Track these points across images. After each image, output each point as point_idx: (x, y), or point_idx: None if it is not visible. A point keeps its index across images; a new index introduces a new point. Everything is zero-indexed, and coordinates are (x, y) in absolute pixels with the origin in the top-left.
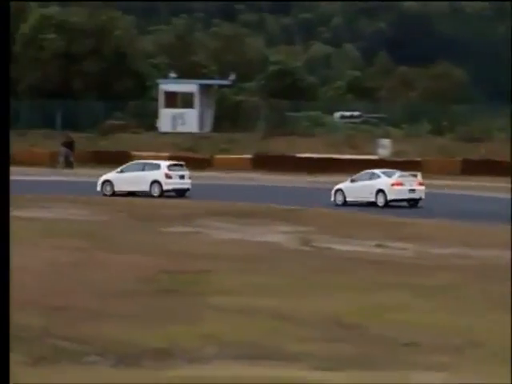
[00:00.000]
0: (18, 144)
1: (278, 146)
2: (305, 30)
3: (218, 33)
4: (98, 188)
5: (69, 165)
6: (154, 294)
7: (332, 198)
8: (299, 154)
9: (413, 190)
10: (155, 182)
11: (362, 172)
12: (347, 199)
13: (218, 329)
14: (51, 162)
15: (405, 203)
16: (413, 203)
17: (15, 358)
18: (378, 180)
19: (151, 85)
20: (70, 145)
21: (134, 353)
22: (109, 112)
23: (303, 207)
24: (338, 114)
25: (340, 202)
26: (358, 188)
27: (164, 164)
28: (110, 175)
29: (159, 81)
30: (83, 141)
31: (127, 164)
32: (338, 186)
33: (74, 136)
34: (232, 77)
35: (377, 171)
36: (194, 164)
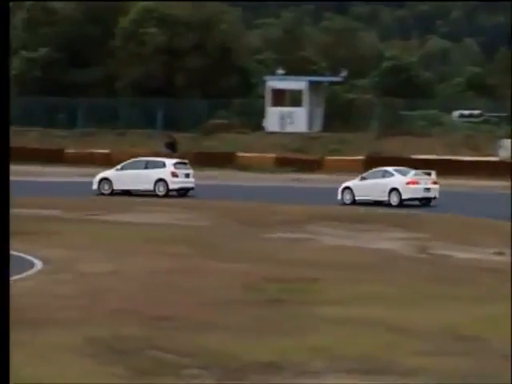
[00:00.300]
0: (116, 144)
1: (393, 146)
2: (421, 23)
3: (329, 27)
4: (95, 186)
5: None
6: (259, 304)
7: (339, 197)
8: (415, 155)
9: (428, 189)
10: (160, 180)
11: (373, 170)
12: (356, 198)
13: (327, 341)
14: None
15: (417, 202)
16: (425, 202)
17: (115, 371)
18: (392, 178)
19: (257, 82)
20: (172, 145)
21: (239, 366)
22: (212, 110)
23: (419, 212)
24: (456, 113)
25: (348, 201)
26: (368, 186)
27: (169, 162)
28: (108, 173)
29: (266, 77)
30: (186, 141)
31: (127, 161)
32: (345, 184)
33: (176, 136)
34: (343, 73)
35: (390, 169)
36: (303, 166)
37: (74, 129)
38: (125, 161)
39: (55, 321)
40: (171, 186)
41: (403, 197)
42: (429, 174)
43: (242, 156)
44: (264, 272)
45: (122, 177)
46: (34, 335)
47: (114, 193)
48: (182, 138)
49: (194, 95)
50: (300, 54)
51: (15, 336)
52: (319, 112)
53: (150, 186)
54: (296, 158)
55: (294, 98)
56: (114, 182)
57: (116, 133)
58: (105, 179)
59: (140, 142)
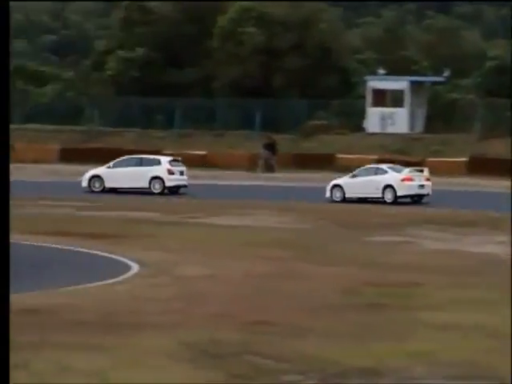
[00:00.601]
0: (214, 145)
1: (497, 148)
2: None
3: (431, 25)
4: (84, 184)
5: (269, 168)
6: (359, 309)
7: (327, 194)
8: None
9: (422, 186)
10: (156, 177)
11: (364, 167)
12: (346, 195)
13: (428, 347)
14: (250, 165)
15: (408, 199)
16: (417, 199)
17: (213, 376)
18: (386, 175)
19: (358, 82)
20: (271, 147)
21: (338, 372)
22: (312, 111)
23: None
24: None
25: (338, 199)
26: (360, 184)
27: (165, 159)
28: (99, 170)
29: (367, 77)
30: (284, 142)
31: (119, 159)
32: (335, 182)
33: (275, 137)
34: (446, 73)
35: (383, 166)
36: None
37: (171, 130)
38: (222, 162)
39: (151, 325)
40: (167, 184)
41: (398, 194)
42: (421, 171)
43: (342, 158)
44: (364, 276)
45: (115, 174)
46: (130, 339)
47: (105, 190)
48: (281, 140)
49: (293, 96)
50: (401, 54)
51: (110, 340)
52: (421, 112)
53: (145, 184)
54: (397, 159)
55: (395, 99)
56: (105, 179)
57: (213, 134)
58: (96, 176)
59: (238, 143)
